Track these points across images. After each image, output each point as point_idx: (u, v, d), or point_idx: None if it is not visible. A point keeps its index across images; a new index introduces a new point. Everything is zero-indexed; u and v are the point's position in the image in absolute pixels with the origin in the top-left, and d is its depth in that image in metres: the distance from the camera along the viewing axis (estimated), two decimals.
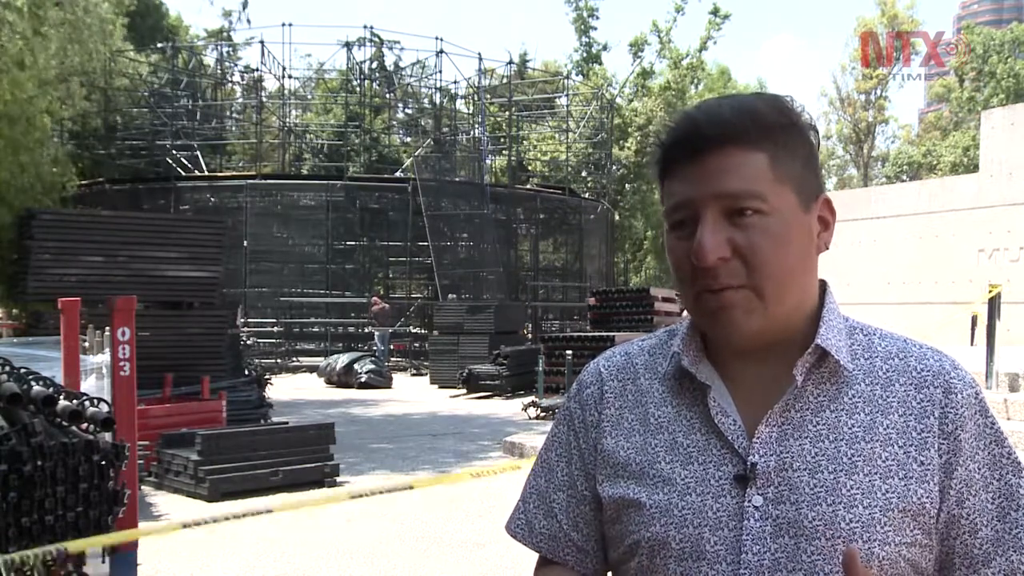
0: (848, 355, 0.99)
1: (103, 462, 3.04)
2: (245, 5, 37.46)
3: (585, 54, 36.70)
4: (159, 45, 29.53)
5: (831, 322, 1.00)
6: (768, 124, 0.95)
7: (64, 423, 3.11)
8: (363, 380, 16.11)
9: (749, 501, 0.94)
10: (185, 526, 2.74)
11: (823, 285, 1.03)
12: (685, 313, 1.03)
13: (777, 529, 0.93)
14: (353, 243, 25.92)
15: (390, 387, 16.38)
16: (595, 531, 1.07)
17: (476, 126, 29.26)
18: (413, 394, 15.31)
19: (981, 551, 0.97)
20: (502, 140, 30.12)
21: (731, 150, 0.94)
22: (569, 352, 13.18)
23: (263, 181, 24.08)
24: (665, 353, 1.07)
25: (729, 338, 0.97)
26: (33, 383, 3.30)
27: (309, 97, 35.82)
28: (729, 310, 0.94)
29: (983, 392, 1.01)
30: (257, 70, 28.94)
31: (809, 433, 0.96)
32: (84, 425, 3.17)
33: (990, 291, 7.93)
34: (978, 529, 0.96)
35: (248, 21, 37.82)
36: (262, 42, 26.51)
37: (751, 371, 1.00)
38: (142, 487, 6.85)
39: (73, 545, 2.71)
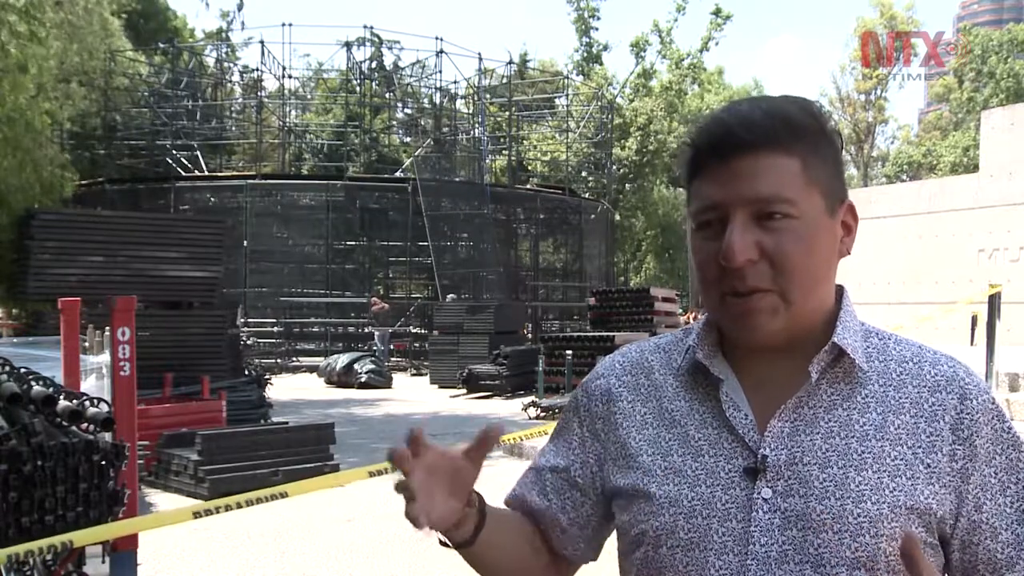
0: (863, 356, 1.00)
1: (103, 462, 3.04)
2: (240, 6, 37.41)
3: (586, 54, 36.69)
4: (160, 45, 29.52)
5: (848, 323, 1.01)
6: (799, 129, 0.96)
7: (64, 423, 3.11)
8: (363, 380, 16.11)
9: (758, 493, 0.95)
10: (196, 515, 2.73)
11: (840, 289, 1.05)
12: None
13: (785, 521, 0.94)
14: (353, 243, 25.92)
15: (390, 387, 16.37)
16: (581, 517, 1.10)
17: (476, 126, 29.25)
18: (413, 394, 15.30)
19: (1004, 555, 0.97)
20: (502, 140, 30.11)
21: (763, 154, 0.94)
22: (569, 352, 13.18)
23: (263, 181, 24.08)
24: (680, 349, 1.08)
25: (752, 339, 0.99)
26: (33, 383, 3.30)
27: (309, 97, 35.82)
28: (755, 313, 0.95)
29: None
30: (257, 70, 28.94)
31: (821, 429, 0.97)
32: (84, 425, 3.18)
33: (990, 291, 7.92)
34: (998, 533, 0.97)
35: (242, 24, 37.81)
36: (262, 42, 26.52)
37: (765, 368, 1.01)
38: (142, 487, 6.85)
39: (78, 536, 2.71)
